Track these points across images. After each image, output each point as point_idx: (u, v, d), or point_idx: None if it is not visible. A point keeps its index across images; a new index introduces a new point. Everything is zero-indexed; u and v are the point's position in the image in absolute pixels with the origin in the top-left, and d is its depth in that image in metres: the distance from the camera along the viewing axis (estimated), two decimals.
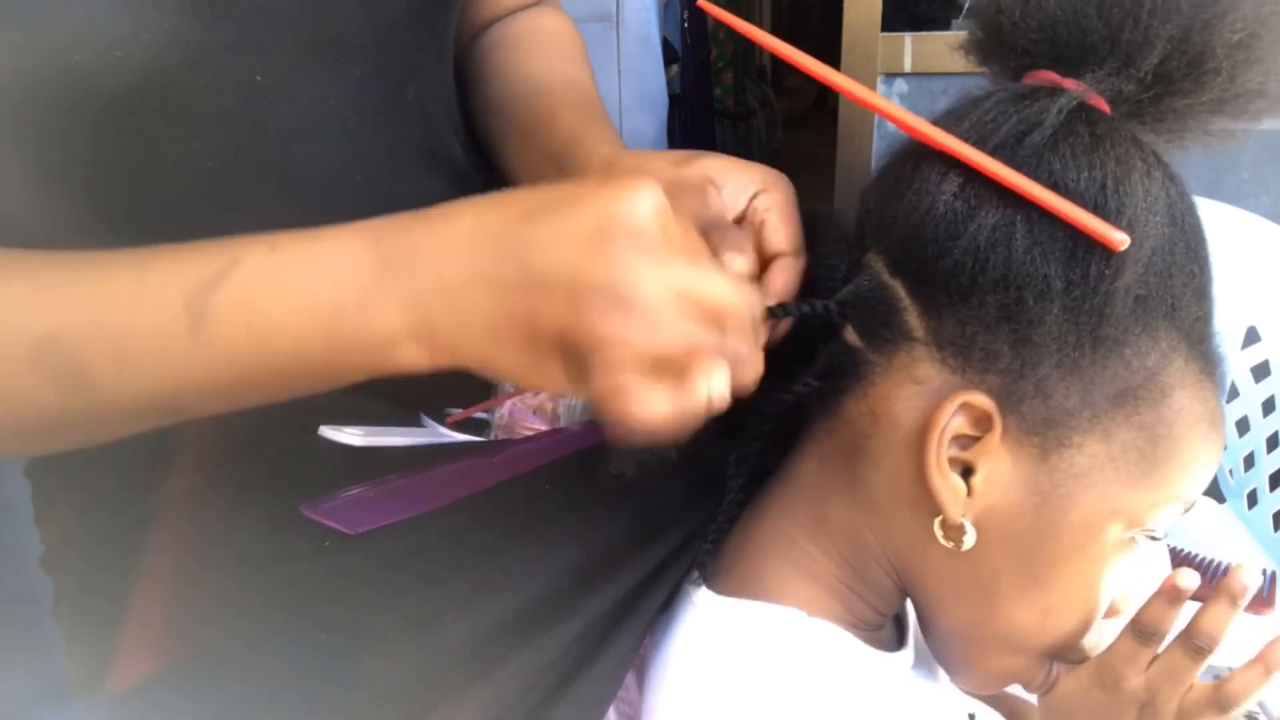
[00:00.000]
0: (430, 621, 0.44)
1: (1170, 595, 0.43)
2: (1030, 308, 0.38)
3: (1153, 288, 0.39)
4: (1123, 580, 0.42)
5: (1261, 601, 0.91)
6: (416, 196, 0.43)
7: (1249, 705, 0.43)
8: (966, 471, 0.40)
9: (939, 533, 0.41)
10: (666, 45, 1.74)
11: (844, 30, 1.42)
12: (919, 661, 0.49)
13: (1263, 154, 1.34)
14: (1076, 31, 0.41)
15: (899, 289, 0.41)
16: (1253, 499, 1.11)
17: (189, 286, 0.37)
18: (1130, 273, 0.38)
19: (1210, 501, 1.17)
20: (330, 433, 0.56)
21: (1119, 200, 0.38)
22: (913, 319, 0.41)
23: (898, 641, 0.50)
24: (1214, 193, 1.31)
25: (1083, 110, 0.40)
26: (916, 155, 0.42)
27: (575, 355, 0.34)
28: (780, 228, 0.45)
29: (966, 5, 1.56)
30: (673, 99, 1.61)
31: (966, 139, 0.39)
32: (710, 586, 0.47)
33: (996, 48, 0.43)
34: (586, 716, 0.45)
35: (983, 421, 0.39)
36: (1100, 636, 0.44)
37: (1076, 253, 0.38)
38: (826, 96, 4.18)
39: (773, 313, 0.43)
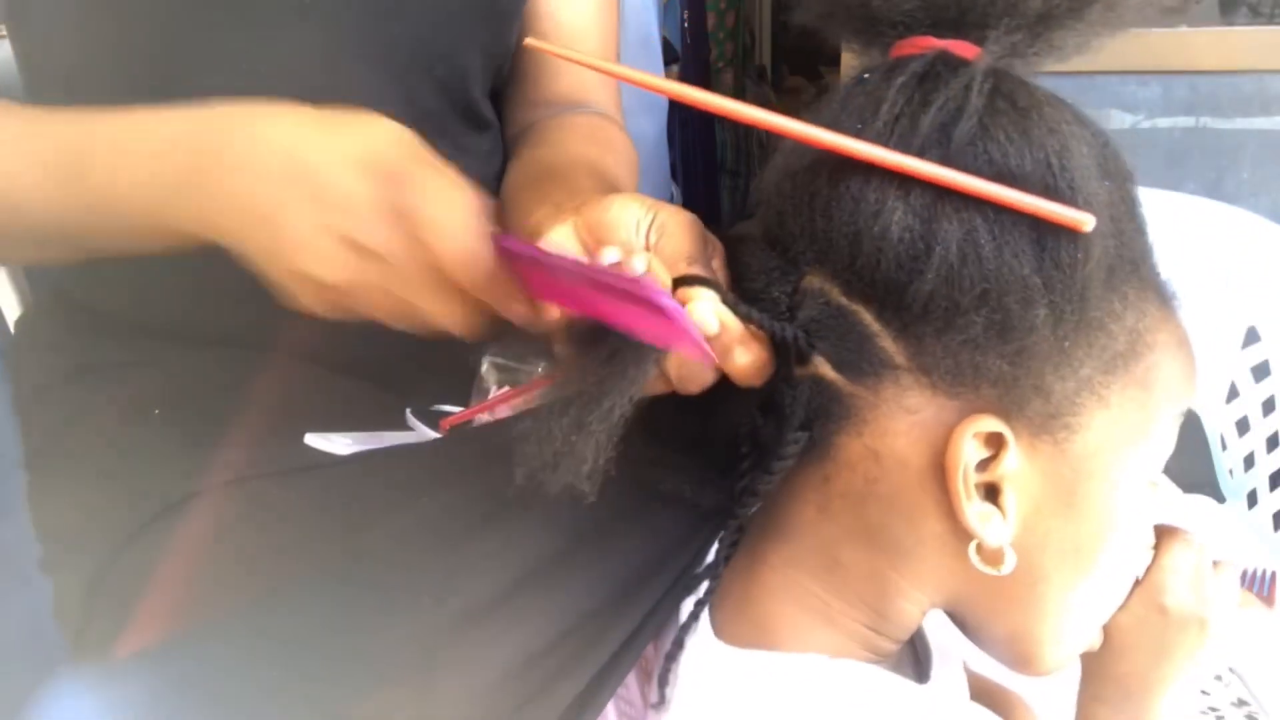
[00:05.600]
0: (417, 598, 0.45)
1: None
2: (1018, 315, 0.36)
3: (1114, 252, 0.37)
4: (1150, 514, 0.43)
5: (1261, 601, 0.91)
6: None
7: None
8: (990, 492, 0.38)
9: (976, 560, 0.39)
10: (666, 45, 1.74)
11: None
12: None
13: (1263, 154, 1.34)
14: None
15: (863, 314, 0.38)
16: (1253, 499, 1.11)
17: (64, 149, 0.49)
18: (1098, 248, 0.36)
19: (1210, 501, 1.17)
20: (317, 441, 0.56)
21: (1069, 177, 0.36)
22: (888, 344, 0.38)
23: (914, 665, 0.49)
24: (1214, 193, 1.31)
25: (991, 80, 0.37)
26: (830, 166, 0.38)
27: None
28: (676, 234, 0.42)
29: None
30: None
31: (885, 141, 0.36)
32: (719, 637, 0.44)
33: (867, 23, 0.40)
34: (587, 704, 0.45)
35: (993, 439, 0.38)
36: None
37: (1044, 244, 0.36)
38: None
39: (735, 307, 0.39)
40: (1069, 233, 0.35)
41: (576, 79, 0.74)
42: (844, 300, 0.39)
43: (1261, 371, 1.12)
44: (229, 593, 0.48)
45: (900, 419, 0.38)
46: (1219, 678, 0.77)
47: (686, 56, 2.16)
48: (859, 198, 0.37)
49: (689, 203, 1.71)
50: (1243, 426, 1.14)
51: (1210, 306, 1.17)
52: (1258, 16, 1.50)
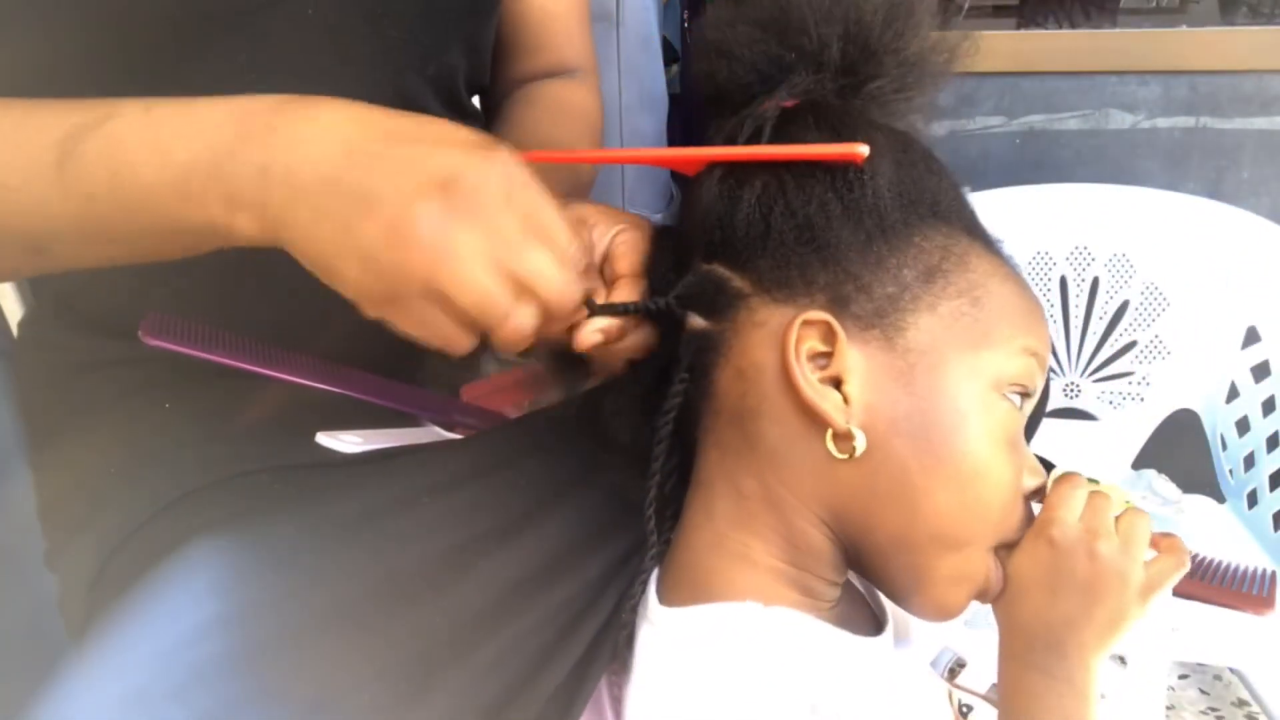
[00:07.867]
0: (417, 597, 0.46)
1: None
2: (819, 221, 0.45)
3: (909, 188, 0.46)
4: (1025, 452, 0.47)
5: (1261, 601, 0.91)
6: None
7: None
8: (837, 385, 0.44)
9: (833, 448, 0.44)
10: (666, 45, 1.74)
11: None
12: (898, 645, 0.50)
13: (1263, 154, 1.34)
14: (773, 62, 0.48)
15: (718, 269, 0.47)
16: (1253, 499, 1.12)
17: (65, 129, 0.43)
18: (883, 172, 0.45)
19: (1210, 501, 1.17)
20: (327, 440, 0.56)
21: (850, 132, 0.46)
22: (738, 282, 0.47)
23: (872, 627, 0.50)
24: (1214, 193, 1.31)
25: (801, 104, 0.48)
26: (697, 175, 0.49)
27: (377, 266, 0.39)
28: (626, 256, 0.50)
29: (966, 5, 1.56)
30: (673, 99, 1.61)
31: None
32: (663, 604, 0.47)
33: (724, 98, 0.49)
34: (575, 694, 0.47)
35: (828, 334, 0.44)
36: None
37: (835, 175, 0.45)
38: None
39: (614, 309, 0.48)
40: (855, 166, 0.45)
41: (554, 56, 0.76)
42: (703, 264, 0.48)
43: (1261, 371, 1.12)
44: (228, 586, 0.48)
45: (754, 335, 0.46)
46: (1218, 678, 0.77)
47: (686, 56, 2.16)
48: (705, 183, 0.48)
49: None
50: (1243, 426, 1.14)
51: (1210, 306, 1.17)
52: (1258, 16, 1.50)
